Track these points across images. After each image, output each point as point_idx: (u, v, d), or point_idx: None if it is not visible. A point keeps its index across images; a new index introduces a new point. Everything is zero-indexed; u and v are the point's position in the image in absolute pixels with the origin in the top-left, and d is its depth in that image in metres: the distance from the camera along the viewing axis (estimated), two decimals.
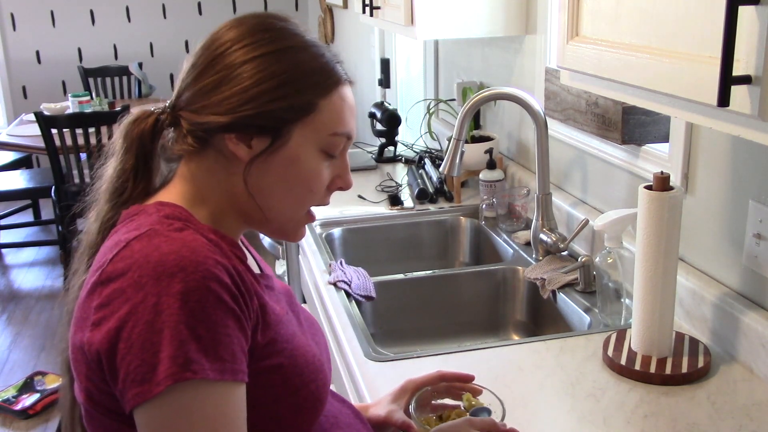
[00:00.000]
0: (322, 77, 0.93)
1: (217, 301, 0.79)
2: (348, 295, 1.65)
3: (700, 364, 1.27)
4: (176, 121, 0.94)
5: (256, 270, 0.99)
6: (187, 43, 5.76)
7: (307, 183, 0.94)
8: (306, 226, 1.01)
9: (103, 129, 3.91)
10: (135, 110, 0.98)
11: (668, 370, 1.26)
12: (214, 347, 0.78)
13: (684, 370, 1.26)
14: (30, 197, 4.91)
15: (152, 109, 0.97)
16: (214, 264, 0.81)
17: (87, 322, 0.81)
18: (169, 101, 0.97)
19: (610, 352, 1.32)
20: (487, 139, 2.27)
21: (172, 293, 0.77)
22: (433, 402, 1.14)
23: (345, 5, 4.24)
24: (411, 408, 1.09)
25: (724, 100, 0.74)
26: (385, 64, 3.59)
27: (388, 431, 1.14)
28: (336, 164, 0.97)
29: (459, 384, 1.14)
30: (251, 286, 0.88)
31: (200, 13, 5.82)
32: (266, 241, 2.39)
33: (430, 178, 2.36)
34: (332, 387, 1.19)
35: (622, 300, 1.47)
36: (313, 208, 0.99)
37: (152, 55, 5.79)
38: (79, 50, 5.65)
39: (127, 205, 0.94)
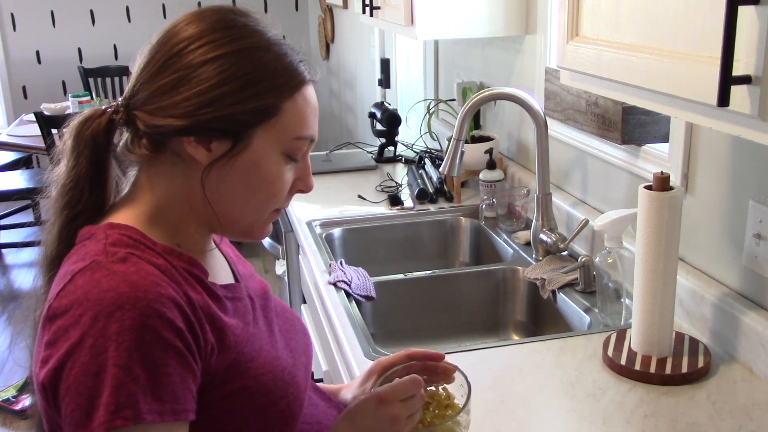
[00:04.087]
0: (285, 78, 0.89)
1: (156, 339, 0.76)
2: (348, 295, 1.65)
3: (700, 364, 1.27)
4: (131, 120, 0.89)
5: (223, 280, 0.96)
6: None
7: (269, 187, 0.91)
8: (272, 224, 0.98)
9: None
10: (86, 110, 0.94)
11: (668, 370, 1.26)
12: (152, 388, 0.75)
13: (684, 370, 1.26)
14: (30, 197, 4.91)
15: (104, 107, 0.92)
16: (156, 298, 0.78)
17: (39, 357, 0.80)
18: (121, 98, 0.92)
19: (610, 352, 1.32)
20: (487, 139, 2.27)
21: (109, 334, 0.75)
22: None
23: (345, 5, 4.24)
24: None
25: (724, 100, 0.74)
26: (385, 64, 3.59)
27: None
28: (298, 167, 0.94)
29: (431, 363, 1.06)
30: (207, 310, 0.85)
31: None
32: (266, 241, 2.38)
33: (430, 178, 2.36)
34: (322, 385, 1.18)
35: (622, 300, 1.47)
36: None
37: None
38: (79, 50, 5.65)
39: (81, 218, 0.90)
